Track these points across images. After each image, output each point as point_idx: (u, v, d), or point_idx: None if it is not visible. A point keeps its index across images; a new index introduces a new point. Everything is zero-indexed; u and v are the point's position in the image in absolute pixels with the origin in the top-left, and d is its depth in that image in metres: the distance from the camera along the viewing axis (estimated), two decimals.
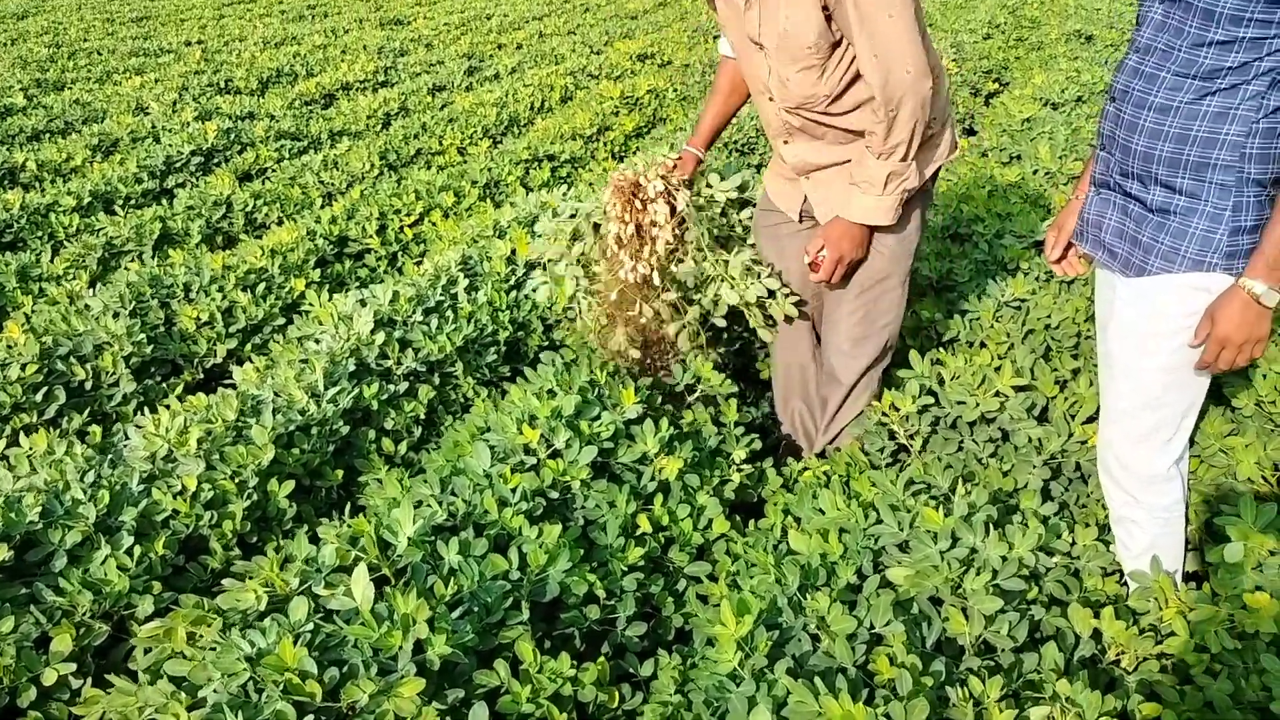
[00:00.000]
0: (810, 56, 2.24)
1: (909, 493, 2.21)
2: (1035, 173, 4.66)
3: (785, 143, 2.46)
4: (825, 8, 2.16)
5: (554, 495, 2.30)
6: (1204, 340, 1.80)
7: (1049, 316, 3.07)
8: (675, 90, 7.89)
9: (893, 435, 2.63)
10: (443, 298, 3.57)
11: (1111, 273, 2.02)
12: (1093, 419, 2.52)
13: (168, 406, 2.69)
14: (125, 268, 4.07)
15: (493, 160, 5.87)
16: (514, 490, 2.26)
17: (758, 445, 2.69)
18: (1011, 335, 3.02)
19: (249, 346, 3.53)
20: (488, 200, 5.22)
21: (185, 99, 7.94)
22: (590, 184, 5.46)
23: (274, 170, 5.87)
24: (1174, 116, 1.79)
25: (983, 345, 3.05)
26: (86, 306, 3.53)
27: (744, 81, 2.55)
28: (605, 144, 6.55)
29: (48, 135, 7.06)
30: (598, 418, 2.54)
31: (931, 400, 2.64)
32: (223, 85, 8.63)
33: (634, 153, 6.70)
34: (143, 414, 3.16)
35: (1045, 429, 2.49)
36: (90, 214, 5.04)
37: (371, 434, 2.85)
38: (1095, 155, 2.03)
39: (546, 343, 3.69)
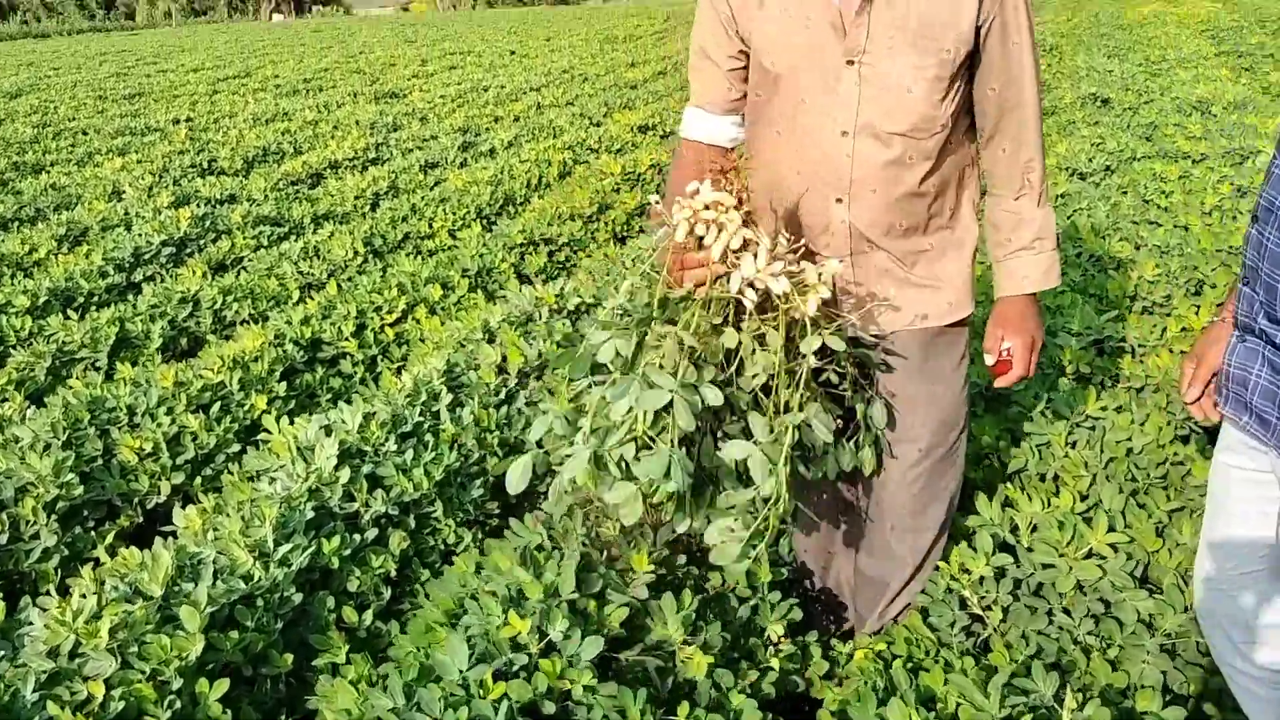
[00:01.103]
0: (945, 61, 1.76)
1: (1002, 706, 1.72)
2: (1080, 256, 4.22)
3: (839, 201, 1.89)
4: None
5: (549, 708, 1.81)
6: None
7: (1129, 439, 2.60)
8: None
9: (964, 604, 2.15)
10: (422, 418, 3.12)
11: (1264, 448, 1.55)
12: None
13: (96, 564, 2.22)
14: (72, 381, 3.62)
15: (485, 246, 5.46)
16: (498, 703, 1.78)
17: (798, 615, 2.20)
18: (1090, 465, 2.55)
19: (199, 481, 3.06)
20: (479, 291, 4.79)
21: (164, 182, 7.57)
22: (590, 271, 5.04)
23: (250, 260, 5.45)
24: None
25: (1057, 480, 2.57)
26: (15, 438, 3.08)
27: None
28: (606, 224, 6.15)
29: (16, 224, 6.67)
30: (602, 595, 2.06)
31: (1009, 559, 2.16)
32: (206, 166, 8.28)
33: (638, 232, 6.30)
34: (70, 569, 2.68)
35: (1156, 601, 2.00)
36: (47, 314, 4.61)
37: (330, 601, 2.36)
38: (1238, 290, 1.59)
39: (545, 468, 3.22)
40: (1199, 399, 1.72)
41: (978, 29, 1.76)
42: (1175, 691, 1.96)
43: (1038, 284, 1.91)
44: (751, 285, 1.65)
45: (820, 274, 1.70)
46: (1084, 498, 2.35)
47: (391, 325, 4.30)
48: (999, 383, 1.95)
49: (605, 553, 2.23)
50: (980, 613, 2.11)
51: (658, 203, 1.73)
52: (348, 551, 2.49)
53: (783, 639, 2.10)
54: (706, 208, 1.64)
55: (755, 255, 1.63)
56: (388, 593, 2.51)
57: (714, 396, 1.63)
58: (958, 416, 2.01)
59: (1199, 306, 3.37)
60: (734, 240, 1.63)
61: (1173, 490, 2.45)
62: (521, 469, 1.80)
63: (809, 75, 1.80)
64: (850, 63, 1.77)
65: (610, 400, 1.64)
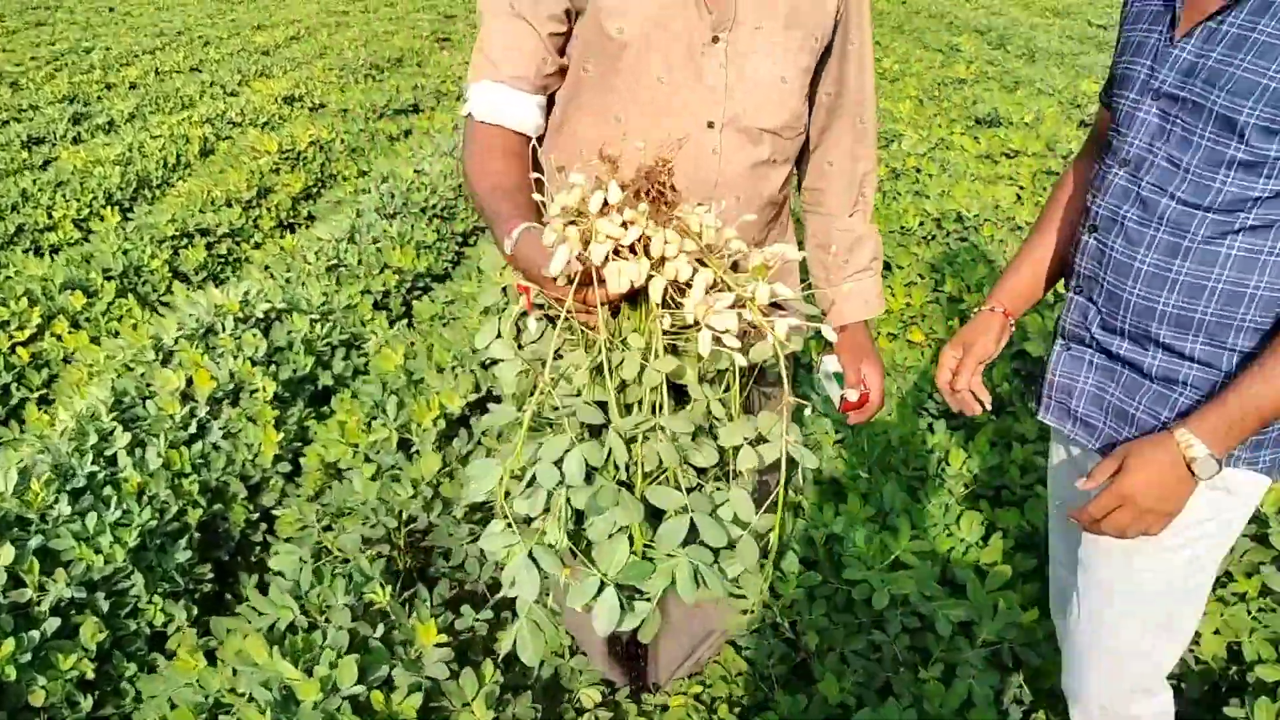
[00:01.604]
0: (814, 50, 1.60)
1: None
2: None
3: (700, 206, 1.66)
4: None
5: None
6: (1102, 485, 1.39)
7: (886, 432, 2.65)
8: (343, 141, 6.94)
9: (777, 629, 2.05)
10: (96, 467, 2.54)
11: (1086, 452, 1.58)
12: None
13: None
14: None
15: (127, 239, 4.68)
16: None
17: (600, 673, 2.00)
18: (863, 460, 2.56)
19: None
20: (129, 296, 4.09)
21: None
22: (267, 267, 4.47)
23: None
24: (1184, 260, 1.36)
25: (839, 483, 2.56)
26: None
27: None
28: (269, 210, 5.51)
29: None
30: (389, 681, 1.74)
31: (817, 577, 2.09)
32: None
33: (306, 219, 5.71)
34: None
35: (966, 606, 2.01)
36: None
37: None
38: (1070, 300, 1.57)
39: (257, 513, 2.76)
40: (962, 390, 1.67)
41: (835, 20, 1.61)
42: (1006, 701, 1.98)
43: (879, 307, 1.82)
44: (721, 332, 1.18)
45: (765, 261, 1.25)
46: (865, 498, 2.34)
47: (25, 345, 3.53)
48: (857, 418, 1.80)
49: (380, 622, 1.89)
50: (795, 637, 2.02)
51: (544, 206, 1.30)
52: (24, 655, 1.95)
53: (596, 704, 1.89)
54: (624, 225, 1.18)
55: (716, 286, 1.20)
56: (87, 701, 2.00)
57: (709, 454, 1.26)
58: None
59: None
60: (681, 271, 1.18)
61: (937, 481, 2.51)
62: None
63: (668, 49, 1.51)
64: (716, 40, 1.52)
65: (592, 536, 1.22)
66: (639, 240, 1.18)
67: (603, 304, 1.18)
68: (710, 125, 1.55)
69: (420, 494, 2.44)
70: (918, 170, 5.77)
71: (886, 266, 4.35)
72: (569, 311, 1.21)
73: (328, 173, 6.42)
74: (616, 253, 1.17)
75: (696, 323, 1.16)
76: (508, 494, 1.25)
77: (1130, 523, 1.35)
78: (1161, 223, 1.37)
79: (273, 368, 3.26)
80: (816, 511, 2.26)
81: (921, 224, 4.80)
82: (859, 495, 2.32)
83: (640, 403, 1.23)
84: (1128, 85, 1.45)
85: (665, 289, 1.18)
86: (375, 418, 2.86)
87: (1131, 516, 1.35)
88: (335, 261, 4.38)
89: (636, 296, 1.22)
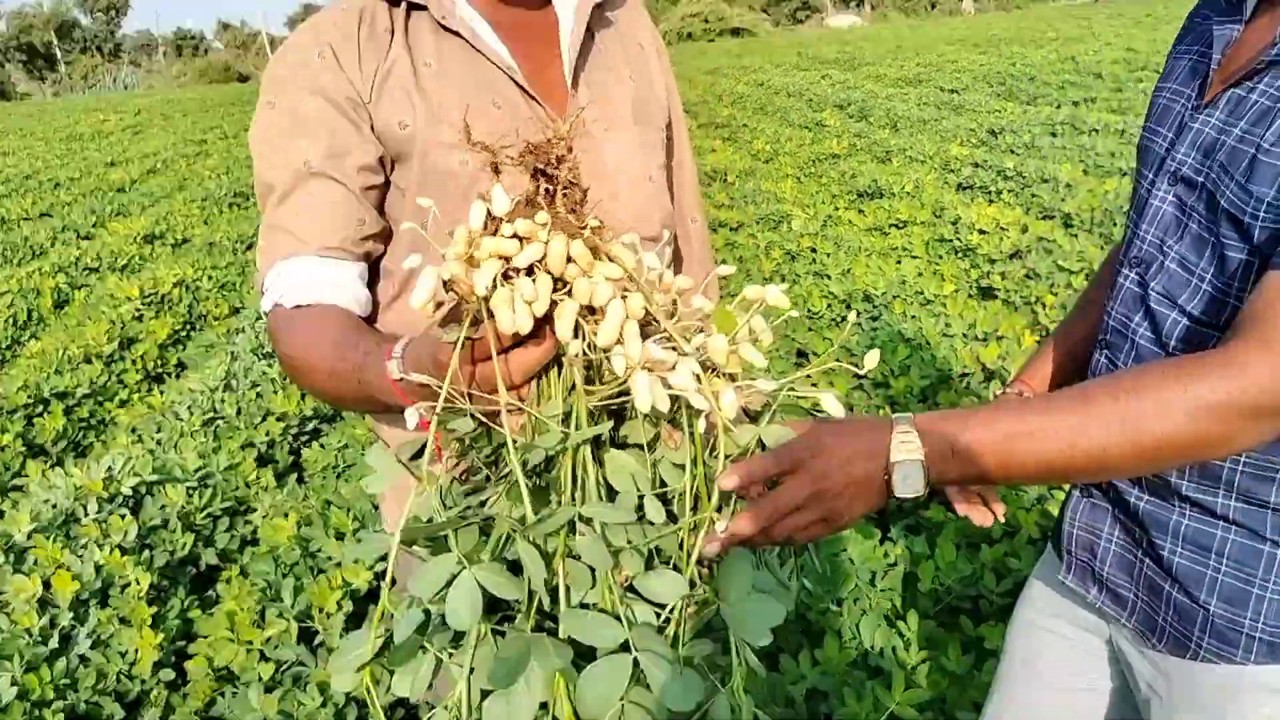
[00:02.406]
0: (664, 141, 1.47)
1: None
2: None
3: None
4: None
5: None
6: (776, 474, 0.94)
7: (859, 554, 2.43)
8: (210, 277, 6.53)
9: None
10: None
11: (1119, 626, 1.28)
12: None
13: None
14: None
15: None
16: None
17: None
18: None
19: None
20: None
21: None
22: (134, 430, 4.04)
23: None
24: None
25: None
26: None
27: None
28: (135, 363, 5.07)
29: None
30: None
31: None
32: None
33: (176, 368, 5.28)
34: None
35: None
36: None
37: None
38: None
39: None
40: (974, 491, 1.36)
41: (667, 106, 1.49)
42: None
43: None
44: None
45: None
46: (840, 636, 2.08)
47: None
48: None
49: None
50: None
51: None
52: None
53: None
54: (520, 239, 0.89)
55: (649, 324, 0.92)
56: None
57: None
58: None
59: None
60: (599, 294, 0.88)
61: (910, 601, 2.28)
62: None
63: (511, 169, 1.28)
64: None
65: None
66: (541, 264, 0.89)
67: (500, 353, 0.89)
68: None
69: (331, 700, 2.09)
70: (813, 250, 5.69)
71: (803, 355, 4.19)
72: (460, 392, 0.91)
73: (197, 314, 6.00)
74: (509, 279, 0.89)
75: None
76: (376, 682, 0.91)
77: (797, 522, 0.92)
78: (1172, 342, 1.12)
79: (146, 553, 2.86)
80: (791, 661, 1.99)
81: (830, 306, 4.67)
82: (835, 636, 2.06)
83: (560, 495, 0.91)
84: (1146, 162, 1.23)
85: (579, 324, 0.89)
86: (271, 603, 2.49)
87: (807, 516, 0.92)
88: (211, 414, 3.98)
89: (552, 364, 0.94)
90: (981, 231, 5.54)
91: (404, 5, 1.28)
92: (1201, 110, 1.12)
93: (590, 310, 0.90)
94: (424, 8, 1.28)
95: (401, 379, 1.02)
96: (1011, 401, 0.98)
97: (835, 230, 6.13)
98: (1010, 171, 7.02)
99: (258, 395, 4.16)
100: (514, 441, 0.88)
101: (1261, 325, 0.92)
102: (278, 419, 3.96)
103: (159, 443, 3.78)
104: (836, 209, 6.82)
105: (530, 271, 0.89)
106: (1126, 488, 1.20)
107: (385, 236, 1.32)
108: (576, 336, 0.90)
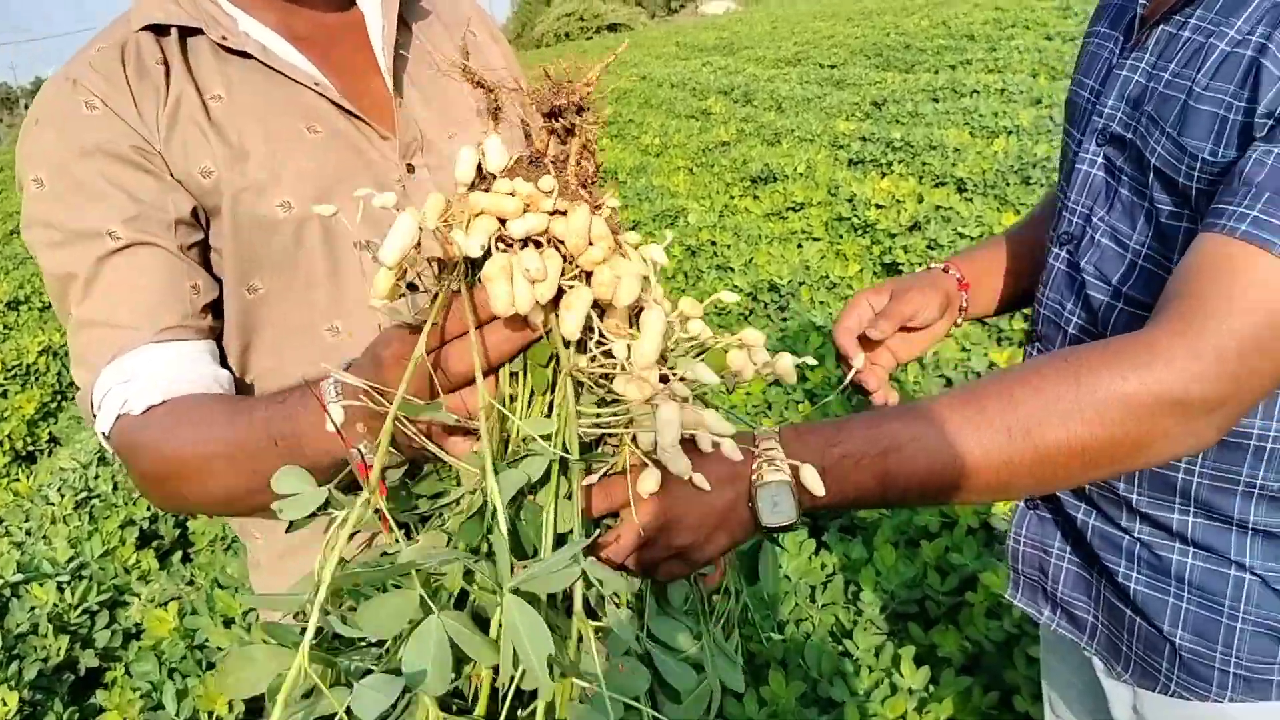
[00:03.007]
0: (521, 141, 1.27)
1: None
2: None
3: None
4: None
5: None
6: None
7: None
8: None
9: None
10: None
11: (1084, 651, 1.12)
12: None
13: None
14: None
15: None
16: None
17: None
18: None
19: None
20: None
21: None
22: (19, 545, 3.67)
23: None
24: None
25: None
26: None
27: None
28: (1, 443, 4.68)
29: None
30: None
31: None
32: None
33: (49, 443, 4.89)
34: None
35: None
36: None
37: None
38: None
39: None
40: (875, 344, 1.11)
41: None
42: None
43: None
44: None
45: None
46: (785, 667, 1.92)
47: None
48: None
49: None
50: None
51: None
52: None
53: None
54: (525, 206, 0.71)
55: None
56: None
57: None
58: None
59: None
60: (624, 290, 0.70)
61: (854, 614, 2.13)
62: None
63: (348, 207, 1.05)
64: (412, 168, 1.13)
65: None
66: (546, 239, 0.71)
67: (479, 326, 0.72)
68: None
69: None
70: (713, 243, 5.55)
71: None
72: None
73: (67, 381, 5.59)
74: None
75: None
76: None
77: (663, 557, 0.77)
78: (1110, 331, 0.96)
79: (14, 666, 2.55)
80: (735, 704, 1.81)
81: (736, 300, 4.52)
82: (780, 668, 1.89)
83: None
84: (1073, 120, 1.06)
85: (590, 319, 0.71)
86: (153, 710, 2.22)
87: (663, 546, 0.76)
88: (85, 494, 3.66)
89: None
90: (879, 206, 5.46)
91: (174, 32, 1.05)
92: (1128, 54, 0.96)
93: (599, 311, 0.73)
94: (199, 31, 1.06)
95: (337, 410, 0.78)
96: (894, 410, 0.81)
97: (733, 220, 6.00)
98: (898, 142, 6.99)
99: None
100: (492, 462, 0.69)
101: (1184, 301, 0.76)
102: None
103: (28, 533, 3.44)
104: (732, 197, 6.70)
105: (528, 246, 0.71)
106: (1070, 501, 1.05)
107: (216, 311, 1.08)
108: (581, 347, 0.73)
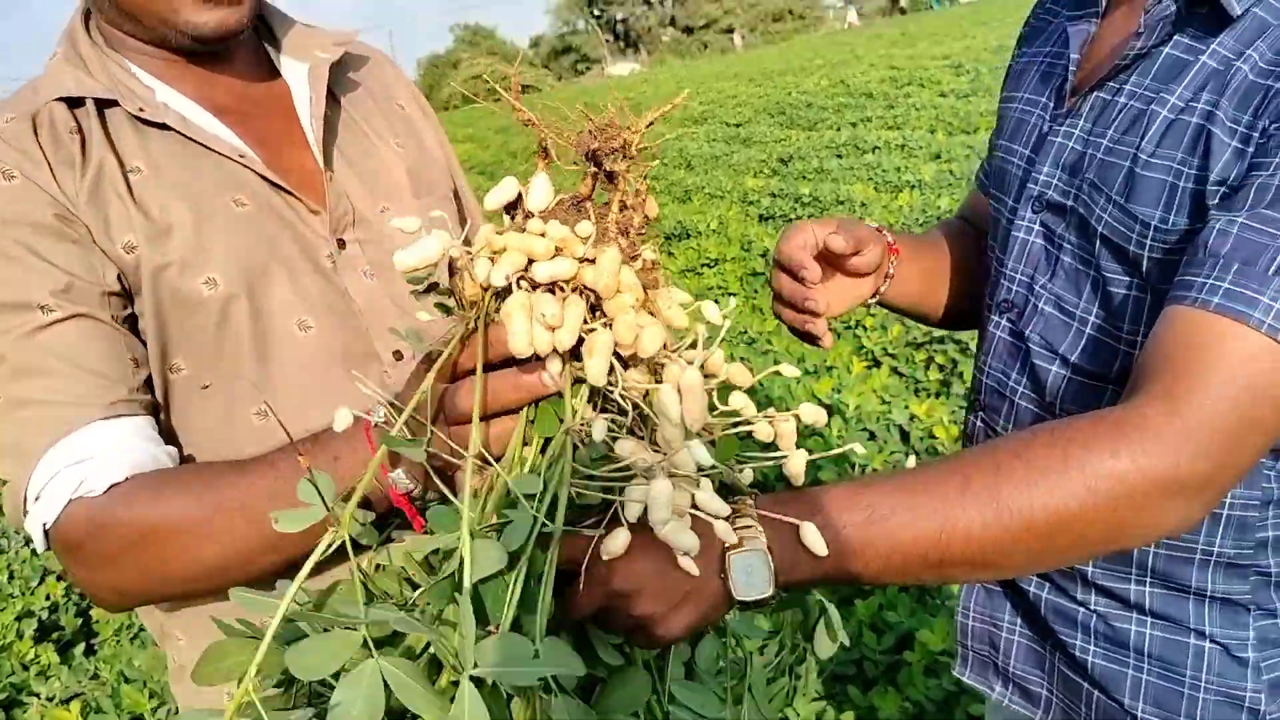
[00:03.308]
0: (453, 214, 1.26)
1: None
2: None
3: None
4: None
5: None
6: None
7: None
8: None
9: None
10: None
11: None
12: None
13: None
14: None
15: None
16: None
17: None
18: None
19: None
20: None
21: None
22: None
23: None
24: None
25: None
26: None
27: None
28: None
29: None
30: None
31: None
32: None
33: None
34: None
35: None
36: None
37: None
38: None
39: None
40: (816, 277, 1.01)
41: (447, 168, 1.28)
42: None
43: None
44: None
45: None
46: None
47: None
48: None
49: None
50: None
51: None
52: None
53: None
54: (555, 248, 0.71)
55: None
56: None
57: None
58: None
59: None
60: (647, 339, 0.69)
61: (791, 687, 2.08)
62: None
63: (292, 282, 1.04)
64: (344, 244, 1.09)
65: None
66: (570, 284, 0.70)
67: (489, 369, 0.72)
68: (398, 357, 1.11)
69: None
70: None
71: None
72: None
73: None
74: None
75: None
76: None
77: (624, 620, 0.74)
78: (1059, 401, 0.95)
79: None
80: None
81: None
82: None
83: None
84: (1003, 187, 1.05)
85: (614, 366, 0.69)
86: None
87: (624, 614, 0.73)
88: None
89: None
90: None
91: (90, 103, 1.01)
92: (1062, 121, 0.96)
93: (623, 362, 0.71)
94: (115, 103, 1.01)
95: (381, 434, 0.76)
96: (875, 478, 0.78)
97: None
98: (807, 197, 7.14)
99: (33, 553, 3.62)
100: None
101: (1166, 378, 0.75)
102: (58, 578, 3.45)
103: None
104: None
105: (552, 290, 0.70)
106: (1024, 577, 1.03)
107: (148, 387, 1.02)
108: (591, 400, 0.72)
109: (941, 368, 3.77)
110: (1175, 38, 0.86)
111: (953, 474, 0.75)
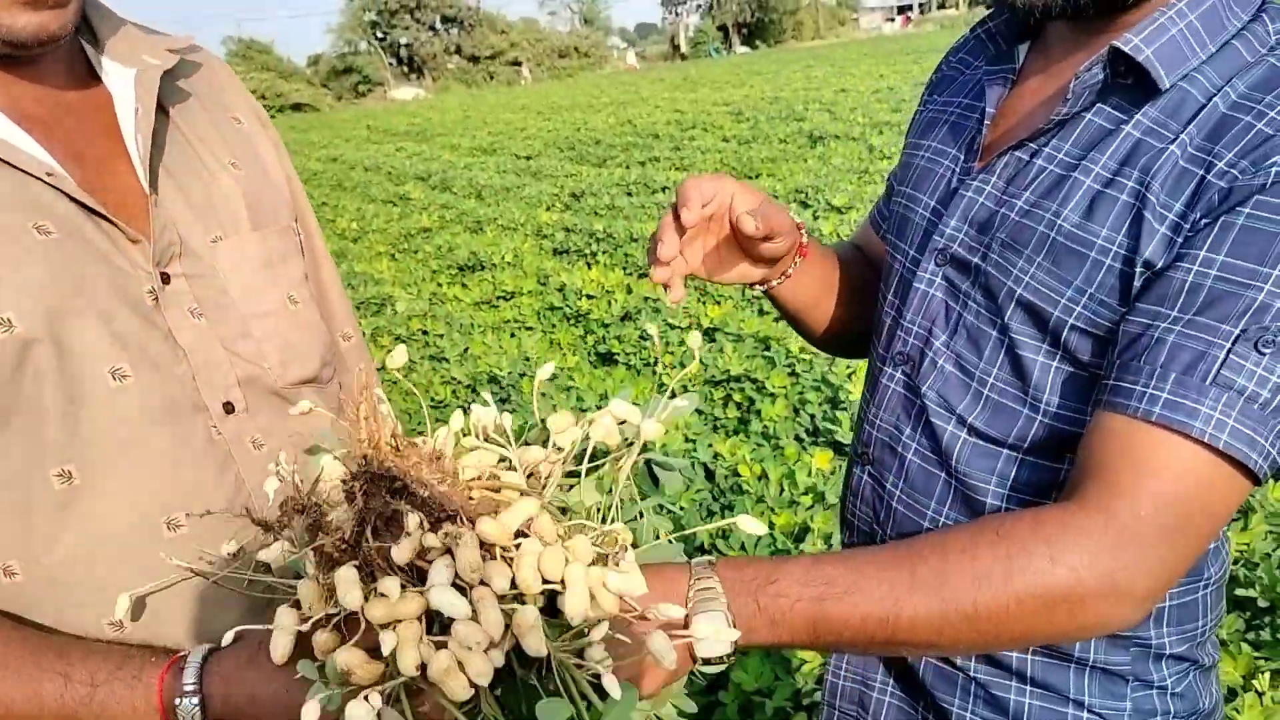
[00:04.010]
0: (298, 247, 1.14)
1: None
2: None
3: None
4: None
5: None
6: None
7: None
8: None
9: None
10: None
11: None
12: None
13: None
14: None
15: None
16: None
17: None
18: None
19: None
20: None
21: None
22: None
23: None
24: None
25: None
26: None
27: None
28: None
29: None
30: None
31: None
32: None
33: None
34: None
35: None
36: None
37: None
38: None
39: None
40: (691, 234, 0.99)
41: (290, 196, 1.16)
42: None
43: None
44: None
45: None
46: None
47: None
48: None
49: None
50: None
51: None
52: None
53: None
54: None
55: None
56: None
57: None
58: None
59: None
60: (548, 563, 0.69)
61: None
62: None
63: (108, 323, 0.91)
64: (168, 278, 0.96)
65: None
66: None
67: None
68: (229, 409, 0.99)
69: None
70: (424, 332, 5.41)
71: None
72: None
73: None
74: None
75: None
76: None
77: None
78: (955, 463, 0.94)
79: None
80: None
81: (455, 393, 4.41)
82: None
83: None
84: (904, 236, 1.02)
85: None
86: None
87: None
88: None
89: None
90: (589, 296, 5.57)
91: None
92: (974, 176, 0.94)
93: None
94: None
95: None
96: (831, 555, 0.79)
97: (443, 309, 5.90)
98: (600, 233, 7.22)
99: None
100: None
101: (1106, 486, 0.76)
102: None
103: None
104: (440, 285, 6.59)
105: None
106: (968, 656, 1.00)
107: None
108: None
109: (739, 405, 3.87)
110: (1099, 105, 0.85)
111: (903, 561, 0.77)
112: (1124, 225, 0.80)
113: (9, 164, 0.88)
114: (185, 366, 0.96)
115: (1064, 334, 0.84)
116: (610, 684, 0.66)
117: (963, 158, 0.98)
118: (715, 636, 0.71)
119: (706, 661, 0.74)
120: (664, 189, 9.17)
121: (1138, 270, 0.79)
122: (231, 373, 1.00)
